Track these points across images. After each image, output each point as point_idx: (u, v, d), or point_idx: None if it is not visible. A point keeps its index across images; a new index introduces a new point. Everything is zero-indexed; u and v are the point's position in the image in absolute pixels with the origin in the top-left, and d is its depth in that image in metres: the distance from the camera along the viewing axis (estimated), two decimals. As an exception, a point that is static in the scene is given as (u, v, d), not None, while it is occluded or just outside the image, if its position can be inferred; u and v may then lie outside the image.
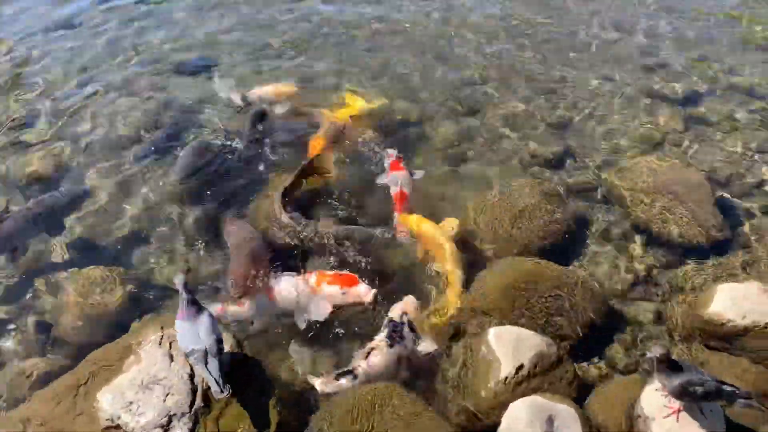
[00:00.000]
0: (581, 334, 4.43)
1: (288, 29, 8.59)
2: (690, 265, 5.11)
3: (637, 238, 5.41)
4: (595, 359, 4.52)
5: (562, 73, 7.53)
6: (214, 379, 3.45)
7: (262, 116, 6.35)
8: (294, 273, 4.77)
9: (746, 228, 5.45)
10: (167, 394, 3.64)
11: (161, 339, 3.97)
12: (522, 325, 4.28)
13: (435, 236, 5.06)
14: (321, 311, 4.56)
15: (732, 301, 4.29)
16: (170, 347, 3.91)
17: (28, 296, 4.99)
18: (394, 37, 8.34)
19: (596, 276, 5.04)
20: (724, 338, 4.26)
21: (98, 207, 5.72)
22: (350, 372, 4.11)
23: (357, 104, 6.60)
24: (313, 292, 4.63)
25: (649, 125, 6.65)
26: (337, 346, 4.51)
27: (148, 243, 5.38)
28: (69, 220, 5.57)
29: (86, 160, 6.24)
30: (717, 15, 8.87)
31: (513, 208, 5.25)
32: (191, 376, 3.76)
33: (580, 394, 4.01)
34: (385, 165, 5.80)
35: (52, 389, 3.92)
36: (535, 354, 3.97)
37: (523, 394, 3.77)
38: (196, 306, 3.66)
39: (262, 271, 4.69)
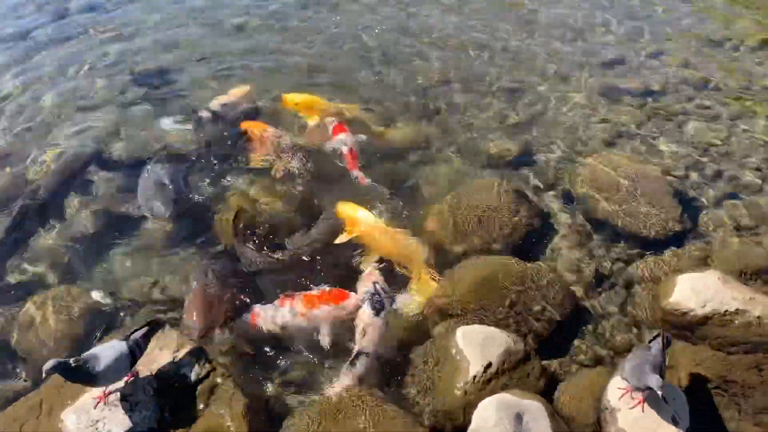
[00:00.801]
0: (548, 330, 4.49)
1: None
2: (651, 257, 5.19)
3: (600, 232, 5.49)
4: (562, 353, 4.57)
5: (520, 75, 7.63)
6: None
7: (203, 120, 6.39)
8: (269, 302, 4.65)
9: (704, 219, 5.56)
10: (133, 411, 3.59)
11: (126, 355, 3.90)
12: (489, 323, 4.33)
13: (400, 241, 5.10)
14: (325, 335, 4.46)
15: (692, 291, 4.40)
16: (135, 363, 3.86)
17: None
18: (351, 43, 8.36)
19: (561, 271, 5.10)
20: (686, 327, 4.37)
21: (60, 219, 5.62)
22: (361, 353, 4.22)
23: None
24: (306, 317, 4.50)
25: (606, 121, 6.77)
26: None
27: (112, 260, 5.27)
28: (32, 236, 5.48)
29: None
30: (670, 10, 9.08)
31: (477, 207, 5.29)
32: (157, 391, 3.72)
33: (548, 388, 4.07)
34: (329, 131, 6.20)
35: (14, 409, 3.84)
36: (503, 351, 4.01)
37: (493, 392, 3.81)
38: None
39: (221, 307, 4.55)
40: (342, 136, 6.09)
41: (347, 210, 5.32)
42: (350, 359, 4.22)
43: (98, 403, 3.59)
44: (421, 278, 4.83)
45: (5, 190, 5.90)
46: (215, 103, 6.64)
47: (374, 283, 4.66)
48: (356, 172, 5.80)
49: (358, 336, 4.39)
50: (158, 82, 7.54)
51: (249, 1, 9.58)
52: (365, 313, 4.46)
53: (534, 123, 6.80)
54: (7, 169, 6.17)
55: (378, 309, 4.46)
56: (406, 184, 5.90)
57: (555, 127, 6.74)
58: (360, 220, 5.21)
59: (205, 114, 6.47)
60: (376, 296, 4.53)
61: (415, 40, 8.36)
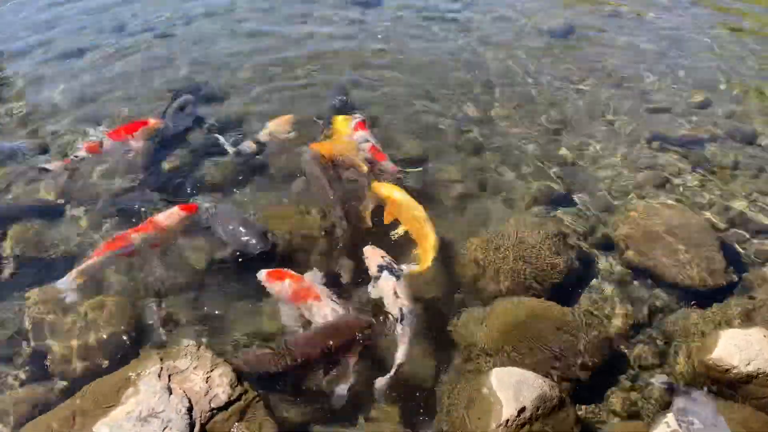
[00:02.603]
0: (584, 376, 4.40)
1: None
2: (693, 310, 5.07)
3: (640, 280, 5.40)
4: (598, 402, 4.48)
5: (566, 114, 7.60)
6: None
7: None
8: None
9: (750, 274, 5.43)
10: (165, 428, 3.59)
11: (160, 371, 3.93)
12: (524, 366, 4.25)
13: (405, 201, 5.55)
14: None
15: (736, 347, 4.26)
16: (169, 380, 3.88)
17: (25, 322, 4.93)
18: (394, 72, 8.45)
19: (599, 317, 5.01)
20: (728, 384, 4.23)
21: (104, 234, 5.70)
22: (403, 310, 4.62)
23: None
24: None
25: (652, 168, 6.68)
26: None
27: (153, 275, 5.29)
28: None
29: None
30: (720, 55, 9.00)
31: (516, 246, 5.24)
32: (189, 410, 3.73)
33: (581, 438, 3.97)
34: (351, 127, 6.47)
35: (47, 419, 3.87)
36: (537, 396, 3.92)
37: (525, 437, 3.73)
38: None
39: None
40: (362, 132, 6.35)
41: (384, 191, 5.67)
42: (398, 318, 4.57)
43: None
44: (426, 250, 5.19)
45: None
46: (263, 134, 6.68)
47: (382, 257, 5.05)
48: (386, 163, 6.07)
49: (390, 301, 4.72)
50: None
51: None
52: (389, 281, 4.83)
53: (577, 165, 6.75)
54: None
55: (397, 275, 4.87)
56: (444, 218, 5.88)
57: (598, 170, 6.68)
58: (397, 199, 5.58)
59: (248, 147, 6.52)
60: (390, 266, 4.95)
61: (459, 73, 8.41)
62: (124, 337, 4.71)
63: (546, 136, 7.18)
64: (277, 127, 6.77)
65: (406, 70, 8.44)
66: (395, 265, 5.01)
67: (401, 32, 9.57)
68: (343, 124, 6.60)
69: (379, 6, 10.43)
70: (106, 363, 4.52)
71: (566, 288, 5.19)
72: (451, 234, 5.62)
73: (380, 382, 4.32)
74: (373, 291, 4.94)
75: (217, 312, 4.96)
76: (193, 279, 5.24)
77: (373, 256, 5.13)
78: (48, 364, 4.63)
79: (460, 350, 4.64)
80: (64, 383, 4.49)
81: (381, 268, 4.95)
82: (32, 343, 4.77)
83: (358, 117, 6.60)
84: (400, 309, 4.63)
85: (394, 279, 4.85)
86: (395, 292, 4.75)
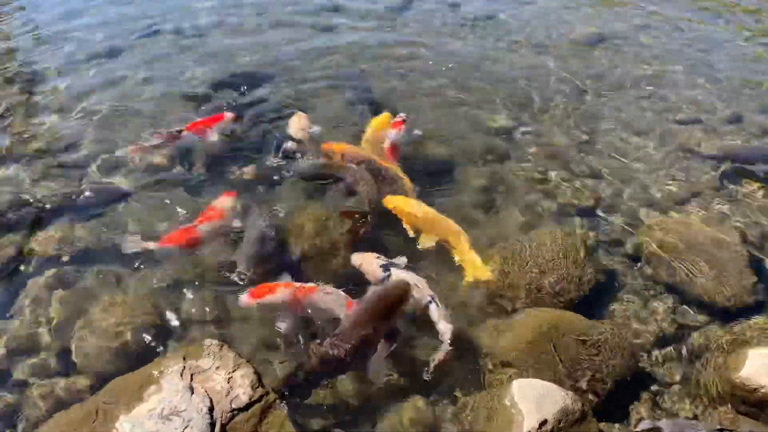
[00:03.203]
0: (607, 390, 4.34)
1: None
2: (719, 327, 5.00)
3: (666, 295, 5.32)
4: (620, 418, 4.41)
5: (596, 124, 7.53)
6: None
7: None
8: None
9: (778, 292, 5.32)
10: (186, 427, 3.61)
11: (183, 370, 3.96)
12: (546, 378, 4.21)
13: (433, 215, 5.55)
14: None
15: (765, 367, 4.18)
16: (191, 379, 3.91)
17: (51, 317, 5.01)
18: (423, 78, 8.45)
19: (623, 332, 4.92)
20: (756, 404, 4.14)
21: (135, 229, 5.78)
22: (432, 299, 4.74)
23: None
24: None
25: (682, 181, 6.58)
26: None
27: (182, 275, 5.34)
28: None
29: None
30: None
31: (541, 257, 5.20)
32: (210, 410, 3.75)
33: (603, 453, 3.92)
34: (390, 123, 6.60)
35: (71, 413, 3.93)
36: (560, 409, 3.87)
37: (546, 450, 3.69)
38: None
39: None
40: (393, 131, 6.44)
41: (398, 202, 5.62)
42: (430, 301, 4.69)
43: None
44: (467, 259, 5.21)
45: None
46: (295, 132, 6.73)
47: (377, 257, 5.08)
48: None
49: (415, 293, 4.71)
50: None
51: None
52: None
53: (605, 176, 6.67)
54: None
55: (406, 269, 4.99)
56: (467, 226, 5.82)
57: (626, 182, 6.59)
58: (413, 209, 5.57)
59: (291, 145, 6.57)
60: (393, 263, 5.01)
61: (485, 83, 8.37)
62: (148, 335, 4.75)
63: (574, 146, 7.12)
64: (299, 125, 6.80)
65: (434, 74, 8.45)
66: (395, 261, 5.04)
67: (432, 33, 9.61)
68: (377, 122, 6.69)
69: (410, 10, 10.47)
70: (129, 360, 4.55)
71: (590, 300, 5.13)
72: (474, 243, 5.56)
73: (439, 355, 4.44)
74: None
75: (239, 311, 4.97)
76: (217, 276, 5.26)
77: (369, 260, 5.10)
78: (73, 359, 4.69)
79: (482, 360, 4.60)
80: (88, 379, 4.54)
81: (386, 267, 4.96)
82: (58, 338, 4.85)
83: (401, 116, 6.65)
84: (431, 297, 4.73)
85: (405, 273, 4.90)
86: (415, 284, 4.77)
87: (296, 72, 8.40)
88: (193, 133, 6.59)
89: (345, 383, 4.46)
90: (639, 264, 5.61)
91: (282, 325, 4.69)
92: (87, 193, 6.11)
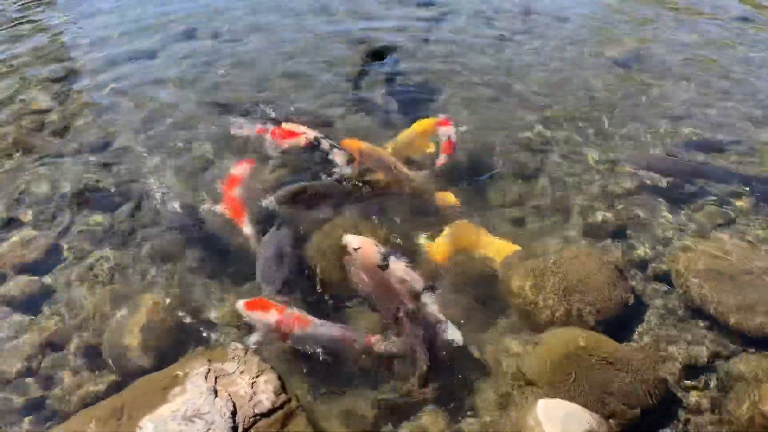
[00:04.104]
0: (633, 415, 4.24)
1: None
2: (753, 356, 4.84)
3: (698, 321, 5.19)
4: (646, 444, 4.32)
5: (632, 143, 7.39)
6: None
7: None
8: None
9: (817, 322, 5.15)
10: (208, 430, 3.64)
11: (207, 373, 3.99)
12: (572, 400, 4.14)
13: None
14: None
15: (800, 400, 4.06)
16: (215, 382, 3.94)
17: (81, 315, 5.10)
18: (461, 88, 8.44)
19: (652, 356, 4.83)
20: (790, 439, 4.02)
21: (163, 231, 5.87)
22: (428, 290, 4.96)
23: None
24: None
25: (717, 205, 6.44)
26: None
27: (211, 278, 5.41)
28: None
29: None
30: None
31: (570, 276, 5.12)
32: (233, 414, 3.76)
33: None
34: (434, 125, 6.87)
35: (96, 410, 3.99)
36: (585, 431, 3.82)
37: (570, 474, 3.63)
38: None
39: None
40: (445, 128, 6.78)
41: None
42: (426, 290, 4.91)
43: None
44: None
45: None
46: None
47: (375, 245, 5.23)
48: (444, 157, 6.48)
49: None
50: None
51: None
52: (400, 266, 5.09)
53: (639, 196, 6.54)
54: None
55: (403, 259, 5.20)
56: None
57: (661, 203, 6.42)
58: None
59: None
60: (391, 251, 5.23)
61: (514, 98, 8.29)
62: (175, 335, 4.81)
63: (608, 164, 7.00)
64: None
65: (470, 86, 8.42)
66: (395, 255, 5.19)
67: (466, 45, 9.60)
68: (422, 125, 6.89)
69: (444, 22, 10.47)
70: (155, 359, 4.61)
71: (620, 322, 5.03)
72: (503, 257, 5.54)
73: (457, 335, 4.68)
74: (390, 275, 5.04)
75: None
76: (245, 280, 5.31)
77: (367, 244, 5.18)
78: (100, 356, 4.77)
79: (507, 378, 4.54)
80: (115, 376, 4.61)
81: (385, 256, 5.09)
82: (87, 334, 4.93)
83: (444, 116, 7.02)
84: (425, 287, 4.94)
85: (403, 263, 5.08)
86: (409, 273, 5.00)
87: (329, 82, 8.46)
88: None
89: (367, 395, 4.46)
90: (670, 287, 5.49)
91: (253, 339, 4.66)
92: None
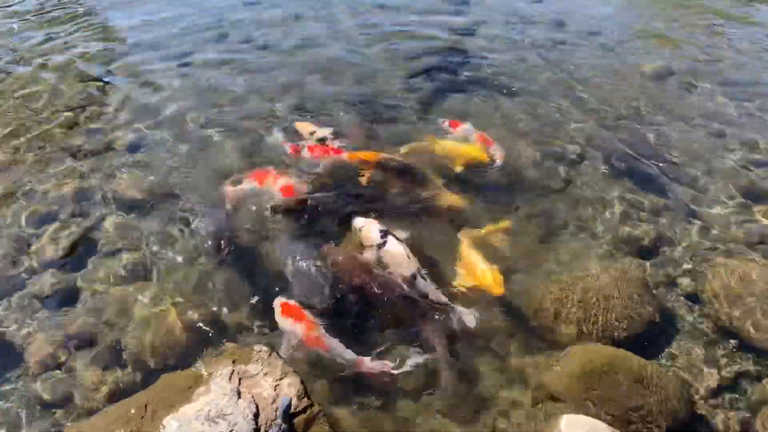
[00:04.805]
0: (658, 435, 4.19)
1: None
2: (786, 379, 4.77)
3: (727, 340, 5.10)
4: (670, 464, 4.24)
5: (663, 157, 7.28)
6: None
7: None
8: None
9: None
10: (231, 431, 3.65)
11: (231, 374, 4.01)
12: (596, 416, 4.09)
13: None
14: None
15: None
16: (239, 383, 3.95)
17: (108, 312, 5.18)
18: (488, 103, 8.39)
19: (679, 375, 4.76)
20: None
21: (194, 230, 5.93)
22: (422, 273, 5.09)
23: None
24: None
25: (749, 223, 6.32)
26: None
27: (239, 279, 5.44)
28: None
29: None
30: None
31: (597, 291, 5.07)
32: (256, 416, 3.78)
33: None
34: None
35: (121, 407, 4.03)
36: (609, 449, 3.77)
37: (592, 491, 3.58)
38: None
39: None
40: (461, 126, 7.12)
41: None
42: (416, 276, 5.00)
43: None
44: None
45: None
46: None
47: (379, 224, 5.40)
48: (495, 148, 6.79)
49: (405, 263, 5.07)
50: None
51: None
52: (398, 246, 5.21)
53: (669, 212, 6.44)
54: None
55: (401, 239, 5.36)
56: (524, 255, 5.76)
57: (693, 219, 6.35)
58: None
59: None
60: (390, 232, 5.34)
61: (552, 110, 8.24)
62: (200, 335, 4.85)
63: (640, 179, 6.87)
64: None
65: (500, 99, 8.38)
66: (395, 232, 5.33)
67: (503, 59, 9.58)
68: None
69: (475, 36, 10.48)
70: (179, 358, 4.67)
71: (646, 339, 4.97)
72: (529, 273, 5.51)
73: (470, 317, 4.85)
74: (385, 256, 5.15)
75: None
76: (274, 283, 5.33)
77: (371, 224, 5.35)
78: (126, 353, 4.84)
79: (530, 392, 4.51)
80: (140, 374, 4.68)
81: (384, 234, 5.22)
82: (113, 331, 5.00)
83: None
84: (417, 269, 5.03)
85: (402, 243, 5.20)
86: (408, 255, 5.10)
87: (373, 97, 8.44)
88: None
89: (389, 404, 4.45)
90: (699, 305, 5.40)
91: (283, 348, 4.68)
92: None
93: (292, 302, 4.89)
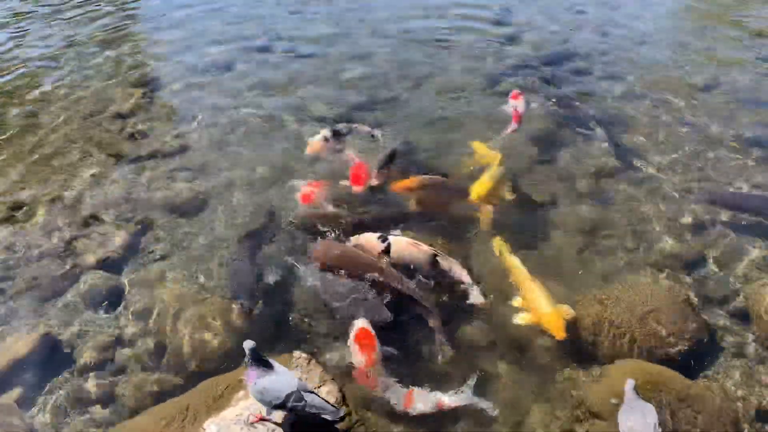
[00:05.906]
0: (704, 457, 4.08)
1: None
2: (839, 404, 4.58)
3: (777, 361, 4.95)
4: (717, 488, 4.12)
5: (708, 172, 7.10)
6: (327, 403, 3.66)
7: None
8: None
9: None
10: (270, 438, 3.69)
11: (271, 379, 4.04)
12: (638, 435, 3.99)
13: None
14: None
15: None
16: (278, 390, 3.98)
17: (152, 314, 5.29)
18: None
19: (724, 397, 4.61)
20: None
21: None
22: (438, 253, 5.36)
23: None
24: None
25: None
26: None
27: (280, 286, 5.49)
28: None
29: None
30: None
31: (641, 307, 4.96)
32: (293, 424, 3.80)
33: None
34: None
35: (163, 408, 4.12)
36: (652, 470, 3.68)
37: None
38: (264, 362, 3.65)
39: None
40: (513, 101, 7.74)
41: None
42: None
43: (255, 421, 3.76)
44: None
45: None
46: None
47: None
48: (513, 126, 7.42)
49: (414, 250, 5.35)
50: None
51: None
52: (401, 238, 5.51)
53: (716, 226, 6.25)
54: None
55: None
56: (565, 269, 5.69)
57: (739, 235, 6.12)
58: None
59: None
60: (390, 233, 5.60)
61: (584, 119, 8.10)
62: (241, 340, 4.86)
63: (681, 194, 6.74)
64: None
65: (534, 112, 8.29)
66: (392, 232, 5.60)
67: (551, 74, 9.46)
68: (481, 146, 7.10)
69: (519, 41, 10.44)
70: (220, 362, 4.74)
71: (692, 358, 4.83)
72: (570, 287, 5.43)
73: (477, 296, 5.16)
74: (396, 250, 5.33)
75: (328, 329, 5.06)
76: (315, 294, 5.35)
77: (366, 237, 5.48)
78: (168, 356, 4.94)
79: (570, 408, 4.43)
80: (182, 376, 4.76)
81: (384, 238, 5.40)
82: (157, 334, 5.10)
83: (516, 90, 7.92)
84: (434, 253, 5.31)
85: (402, 235, 5.53)
86: (414, 243, 5.38)
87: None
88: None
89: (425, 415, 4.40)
90: (747, 325, 5.24)
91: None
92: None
93: (369, 329, 4.70)
